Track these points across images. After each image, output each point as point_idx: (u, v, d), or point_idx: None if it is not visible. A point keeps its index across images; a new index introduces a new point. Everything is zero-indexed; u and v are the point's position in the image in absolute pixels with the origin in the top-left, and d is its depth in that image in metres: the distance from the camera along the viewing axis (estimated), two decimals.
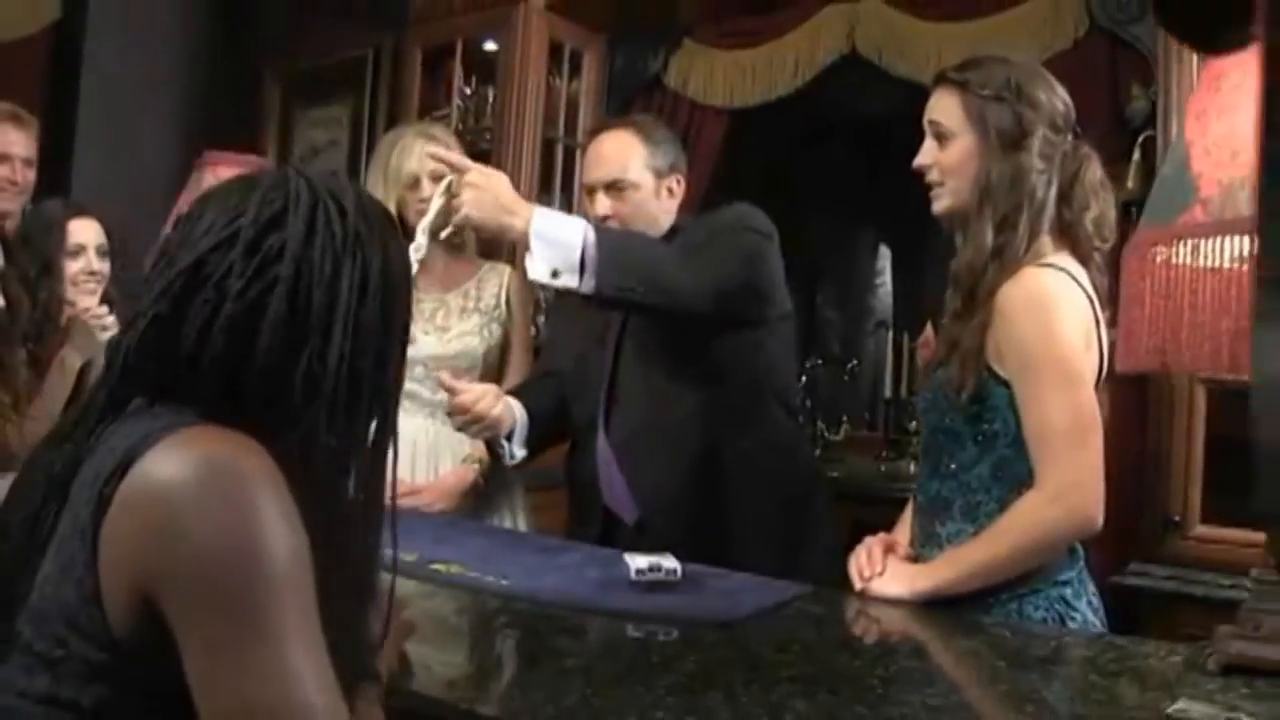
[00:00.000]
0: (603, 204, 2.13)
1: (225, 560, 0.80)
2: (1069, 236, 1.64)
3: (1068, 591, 1.59)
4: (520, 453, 2.16)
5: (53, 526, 0.87)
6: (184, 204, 2.78)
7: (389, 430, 0.99)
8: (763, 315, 2.09)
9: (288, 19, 4.40)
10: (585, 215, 2.06)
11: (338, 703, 0.83)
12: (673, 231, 2.16)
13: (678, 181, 2.19)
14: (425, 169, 2.39)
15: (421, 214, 2.35)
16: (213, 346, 0.89)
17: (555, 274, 1.84)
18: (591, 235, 1.85)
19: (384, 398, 0.98)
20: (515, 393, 2.21)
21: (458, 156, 2.01)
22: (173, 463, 0.82)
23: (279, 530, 0.82)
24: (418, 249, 2.00)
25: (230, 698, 0.79)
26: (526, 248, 1.84)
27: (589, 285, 1.84)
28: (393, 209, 2.40)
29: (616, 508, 2.09)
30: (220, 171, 2.82)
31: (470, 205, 1.87)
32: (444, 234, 2.01)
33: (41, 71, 3.86)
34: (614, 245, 1.88)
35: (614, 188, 2.13)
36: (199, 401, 0.89)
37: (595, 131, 2.27)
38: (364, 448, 0.96)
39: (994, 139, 1.63)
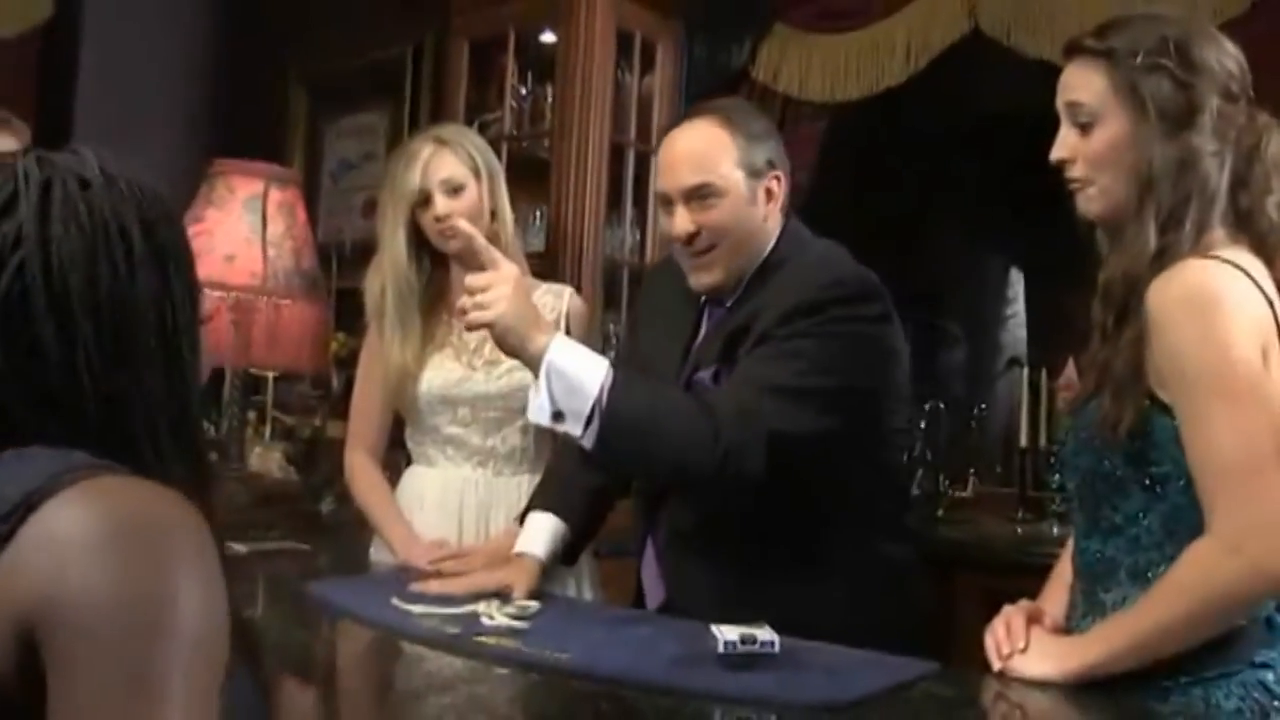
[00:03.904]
0: (684, 219, 2.01)
1: (132, 606, 0.82)
2: (1246, 228, 1.58)
3: (1269, 676, 1.51)
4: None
5: None
6: (194, 216, 2.83)
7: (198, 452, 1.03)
8: (872, 457, 2.04)
9: (313, 10, 4.49)
10: (661, 233, 1.95)
11: None
12: (775, 252, 2.06)
13: (777, 180, 2.06)
14: (434, 180, 2.41)
15: (442, 235, 2.40)
16: None
17: (558, 417, 1.80)
18: (609, 380, 1.80)
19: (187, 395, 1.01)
20: (544, 490, 2.22)
21: (482, 240, 1.92)
22: (88, 511, 0.86)
23: (199, 593, 0.85)
24: None
25: None
26: (534, 376, 1.80)
27: (591, 440, 1.80)
28: (401, 233, 2.44)
29: (645, 585, 2.12)
30: (234, 182, 2.89)
31: (507, 310, 1.79)
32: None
33: (35, 75, 3.99)
34: (629, 403, 1.81)
35: (698, 195, 2.00)
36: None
37: (670, 128, 2.14)
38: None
39: (1154, 118, 1.57)
